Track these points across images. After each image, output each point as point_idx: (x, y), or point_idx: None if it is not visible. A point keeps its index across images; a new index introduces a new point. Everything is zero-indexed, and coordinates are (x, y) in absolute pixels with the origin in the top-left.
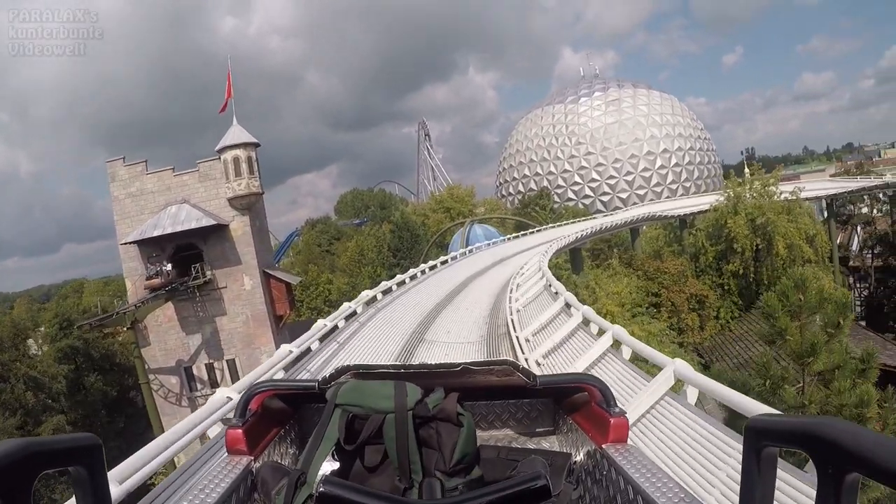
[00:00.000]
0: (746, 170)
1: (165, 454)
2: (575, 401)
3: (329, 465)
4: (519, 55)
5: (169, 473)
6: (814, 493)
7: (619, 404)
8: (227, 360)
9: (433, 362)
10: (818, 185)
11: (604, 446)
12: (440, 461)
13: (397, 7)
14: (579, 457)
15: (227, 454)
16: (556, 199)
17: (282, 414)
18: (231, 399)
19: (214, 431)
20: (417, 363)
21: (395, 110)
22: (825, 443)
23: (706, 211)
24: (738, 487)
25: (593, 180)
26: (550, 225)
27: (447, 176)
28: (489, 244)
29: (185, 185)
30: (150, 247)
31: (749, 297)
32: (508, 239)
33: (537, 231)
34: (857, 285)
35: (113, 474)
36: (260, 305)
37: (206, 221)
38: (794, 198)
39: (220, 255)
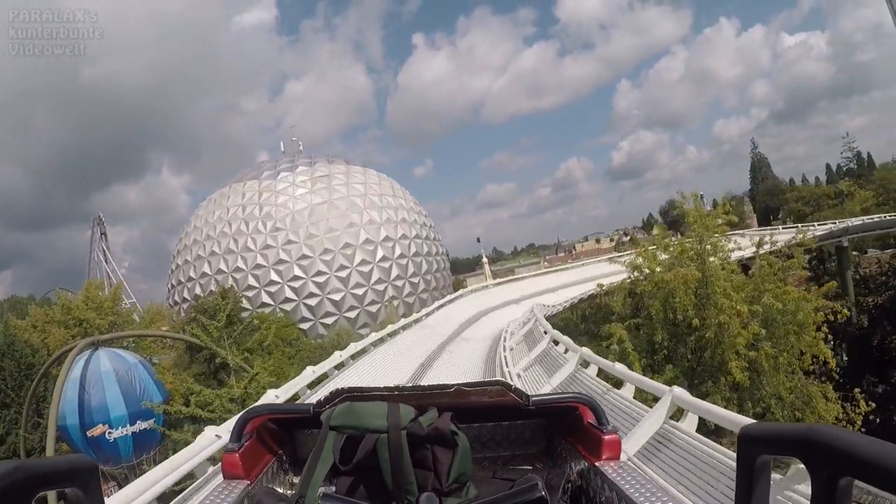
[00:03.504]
0: (485, 259)
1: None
2: (568, 420)
3: (326, 489)
4: (215, 157)
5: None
6: (807, 499)
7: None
8: None
9: (427, 384)
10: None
11: (597, 464)
12: (435, 481)
13: (89, 95)
14: (573, 475)
15: (223, 479)
16: (247, 303)
17: (277, 438)
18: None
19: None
20: (411, 385)
21: (82, 210)
22: (818, 448)
23: (595, 297)
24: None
25: (296, 278)
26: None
27: (126, 284)
28: None
29: None
30: None
31: None
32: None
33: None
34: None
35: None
36: None
37: None
38: (802, 242)
39: None
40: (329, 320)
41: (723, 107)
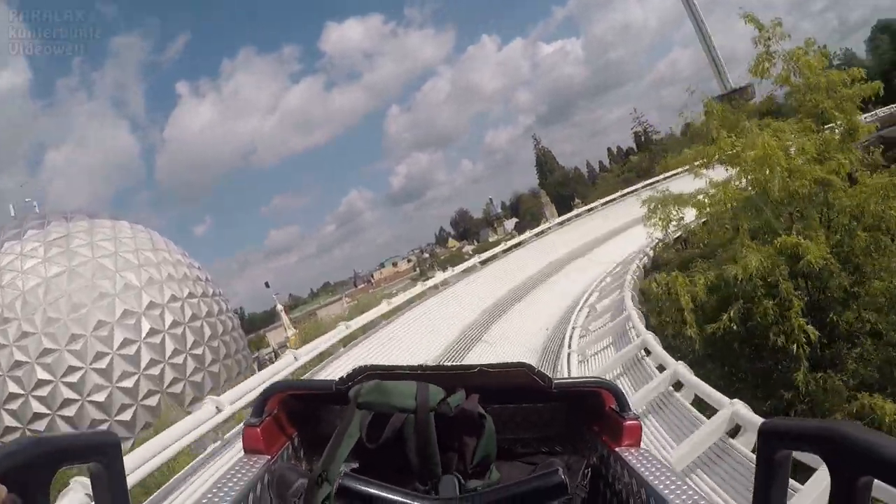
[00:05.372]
0: (280, 306)
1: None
2: (590, 405)
3: (349, 466)
4: None
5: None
6: (825, 497)
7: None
8: None
9: (450, 364)
10: None
11: (617, 450)
12: (460, 462)
13: None
14: (593, 460)
15: (244, 453)
16: None
17: (299, 414)
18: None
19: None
20: (435, 364)
21: None
22: (838, 445)
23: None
24: None
25: (42, 383)
26: None
27: None
28: None
29: None
30: None
31: None
32: None
33: None
34: None
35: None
36: None
37: None
38: None
39: None
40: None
41: (491, 118)
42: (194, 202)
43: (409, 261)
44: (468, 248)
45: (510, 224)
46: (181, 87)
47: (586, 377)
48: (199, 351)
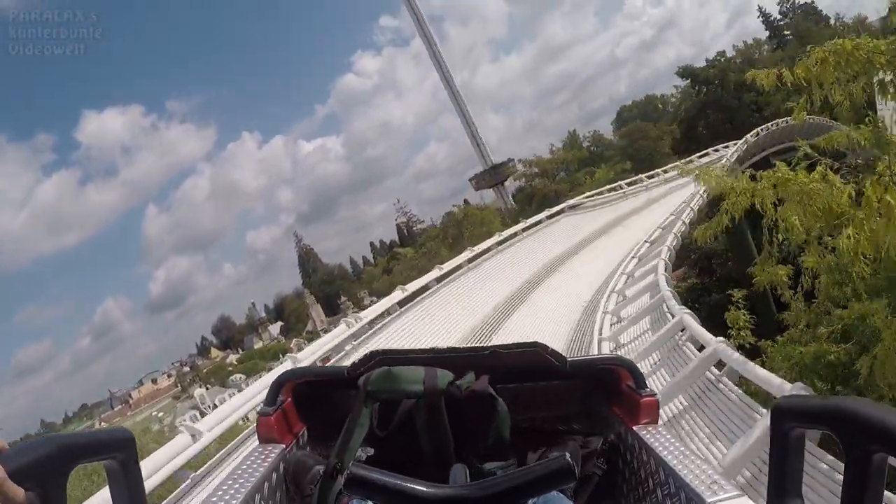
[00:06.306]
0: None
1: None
2: (606, 383)
3: (363, 453)
4: None
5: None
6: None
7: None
8: None
9: (462, 346)
10: None
11: (634, 428)
12: (473, 446)
13: None
14: (611, 438)
15: (258, 443)
16: None
17: (312, 402)
18: None
19: None
20: (447, 347)
21: None
22: (852, 422)
23: None
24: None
25: None
26: None
27: None
28: None
29: None
30: None
31: None
32: None
33: None
34: None
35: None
36: None
37: None
38: None
39: None
40: None
41: (253, 218)
42: None
43: (169, 375)
44: (232, 358)
45: (275, 328)
46: None
47: (601, 356)
48: None
